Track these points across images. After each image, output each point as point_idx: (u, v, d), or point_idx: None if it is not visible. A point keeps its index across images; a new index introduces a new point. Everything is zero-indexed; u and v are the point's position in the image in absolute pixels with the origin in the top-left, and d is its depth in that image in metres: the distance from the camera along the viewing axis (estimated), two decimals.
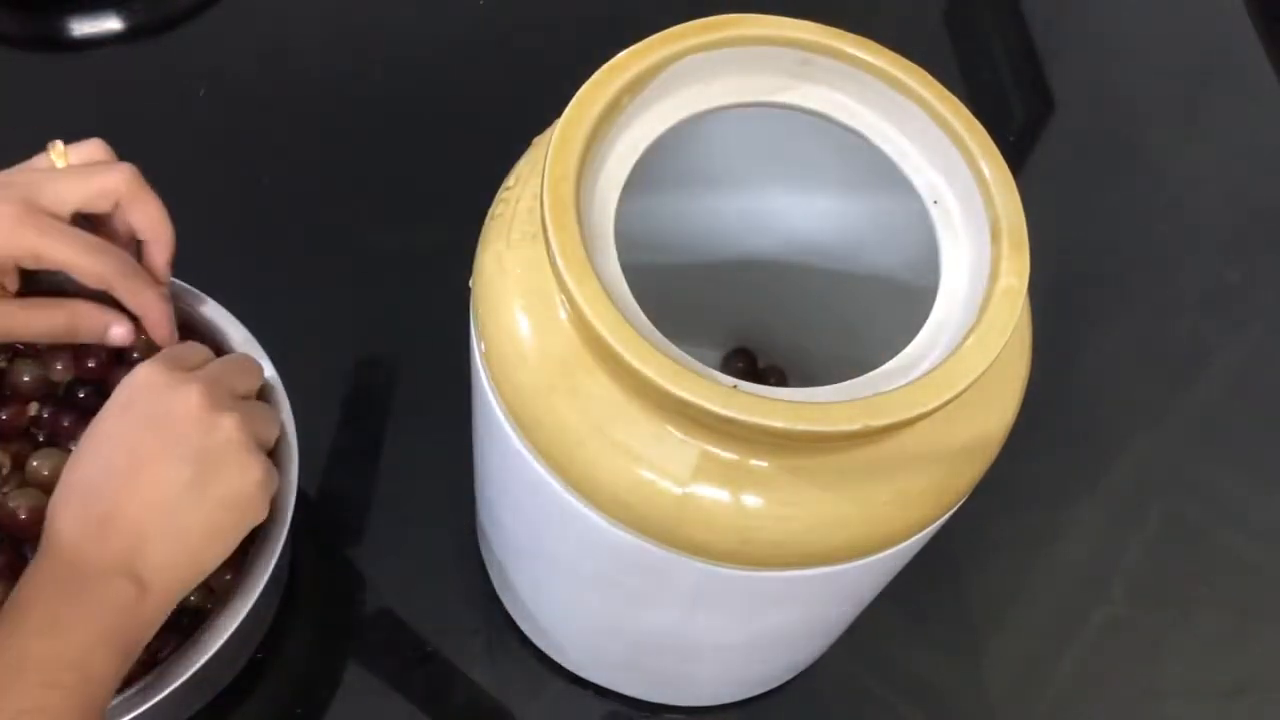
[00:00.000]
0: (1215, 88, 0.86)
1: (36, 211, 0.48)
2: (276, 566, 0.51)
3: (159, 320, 0.52)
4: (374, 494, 0.64)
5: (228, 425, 0.46)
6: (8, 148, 0.71)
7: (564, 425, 0.40)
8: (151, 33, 0.78)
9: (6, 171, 0.51)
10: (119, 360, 0.56)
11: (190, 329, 0.56)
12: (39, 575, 0.44)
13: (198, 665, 0.49)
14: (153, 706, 0.48)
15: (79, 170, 0.51)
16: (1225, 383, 0.74)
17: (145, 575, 0.44)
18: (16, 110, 0.73)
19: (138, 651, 0.44)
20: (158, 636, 0.47)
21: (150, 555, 0.44)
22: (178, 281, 0.55)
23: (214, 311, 0.56)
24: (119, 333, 0.52)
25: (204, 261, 0.58)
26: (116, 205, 0.50)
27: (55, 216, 0.49)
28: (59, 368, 0.56)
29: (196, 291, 0.56)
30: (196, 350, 0.51)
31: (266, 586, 0.51)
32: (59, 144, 0.52)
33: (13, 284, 0.50)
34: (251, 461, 0.47)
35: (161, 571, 0.44)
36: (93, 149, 0.52)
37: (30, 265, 0.49)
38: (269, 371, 0.55)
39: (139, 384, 0.47)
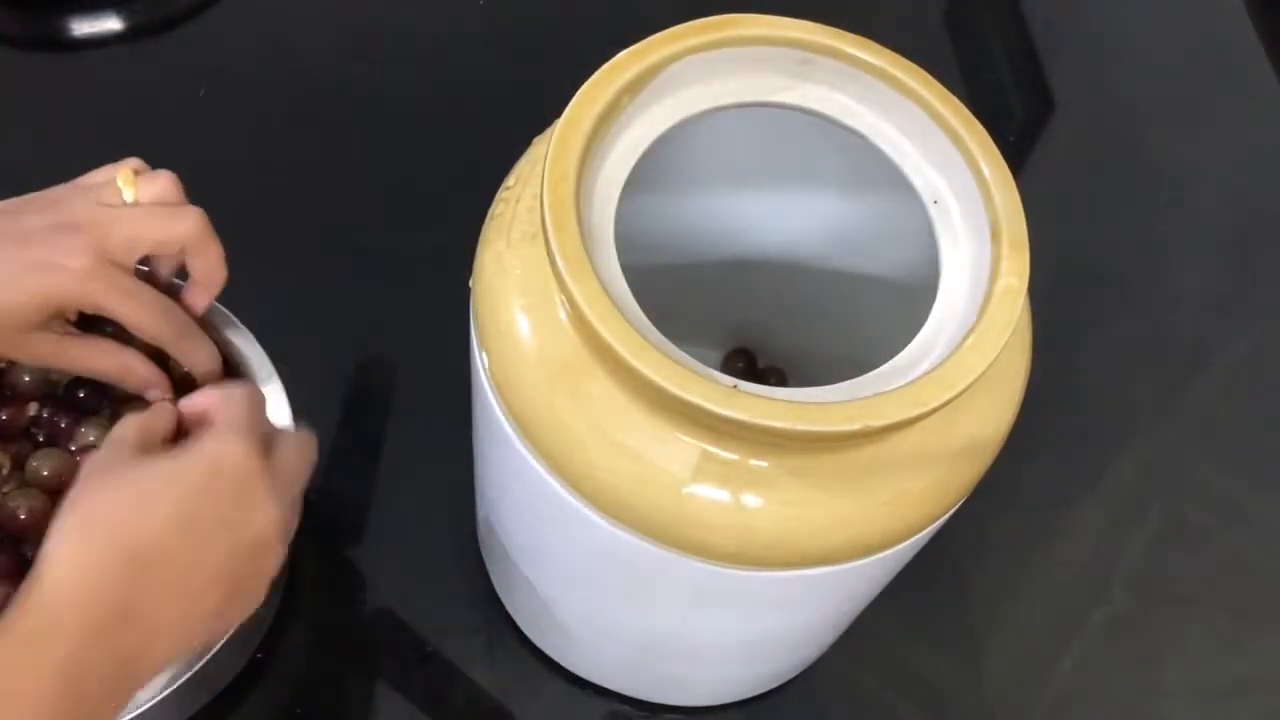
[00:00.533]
0: (1215, 88, 0.86)
1: (107, 264, 0.46)
2: None
3: (209, 375, 0.51)
4: (374, 494, 0.64)
5: (280, 553, 0.44)
6: (8, 148, 0.71)
7: (564, 425, 0.40)
8: (151, 33, 0.78)
9: (69, 197, 0.48)
10: None
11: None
12: (31, 668, 0.36)
13: (198, 665, 0.49)
14: (153, 706, 0.49)
15: (151, 214, 0.48)
16: (1225, 383, 0.74)
17: (142, 675, 0.40)
18: (16, 110, 0.73)
19: None
20: None
21: (152, 656, 0.40)
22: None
23: (214, 312, 0.56)
24: (156, 394, 0.51)
25: None
26: (180, 250, 0.49)
27: (123, 265, 0.47)
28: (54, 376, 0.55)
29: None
30: (262, 409, 0.48)
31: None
32: (129, 170, 0.50)
33: (72, 313, 0.50)
34: (274, 559, 0.44)
35: (154, 666, 0.41)
36: (164, 185, 0.50)
37: (91, 313, 0.48)
38: (270, 375, 0.55)
39: (234, 466, 0.42)
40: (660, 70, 0.42)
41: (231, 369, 0.56)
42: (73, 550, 0.39)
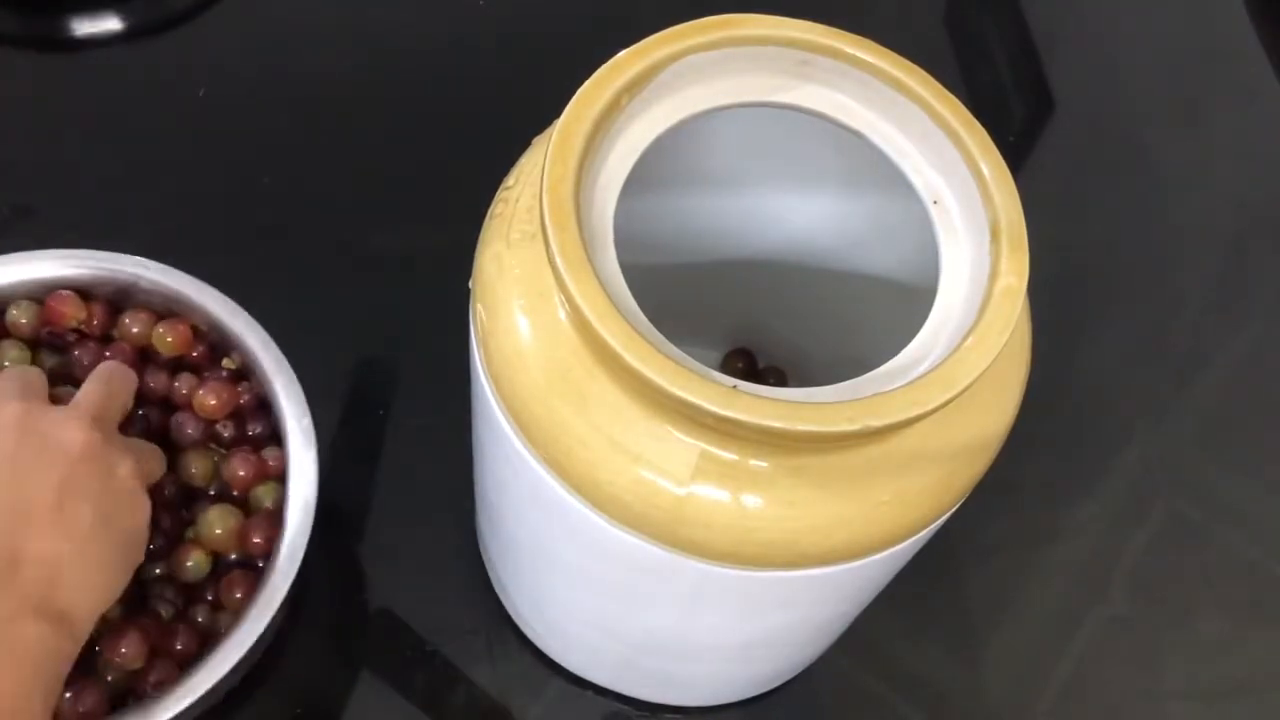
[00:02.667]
0: (1215, 88, 0.86)
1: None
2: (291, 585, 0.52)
3: None
4: (374, 494, 0.64)
5: (123, 472, 0.48)
6: (8, 148, 0.71)
7: (563, 425, 0.40)
8: (151, 33, 0.78)
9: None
10: (142, 358, 0.57)
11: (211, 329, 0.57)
12: None
13: (215, 681, 0.50)
14: None
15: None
16: (1225, 383, 0.74)
17: (63, 607, 0.44)
18: (16, 110, 0.73)
19: (61, 684, 0.44)
20: (168, 657, 0.49)
21: (66, 586, 0.44)
22: (166, 268, 0.56)
23: (219, 305, 0.56)
24: None
25: (203, 263, 0.58)
26: None
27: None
28: (85, 364, 0.55)
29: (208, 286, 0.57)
30: (35, 376, 0.51)
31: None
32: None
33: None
34: (143, 502, 0.49)
35: (79, 600, 0.45)
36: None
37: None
38: (285, 371, 0.55)
39: (10, 424, 0.47)
40: (660, 70, 0.42)
41: (234, 349, 0.57)
42: None
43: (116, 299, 0.57)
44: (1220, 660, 0.66)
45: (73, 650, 0.44)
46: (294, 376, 0.55)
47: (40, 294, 0.56)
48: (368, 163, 0.74)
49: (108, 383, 0.51)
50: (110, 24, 0.77)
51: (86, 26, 0.77)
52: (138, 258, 0.57)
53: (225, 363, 0.57)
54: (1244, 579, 0.68)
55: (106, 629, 0.51)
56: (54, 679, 0.43)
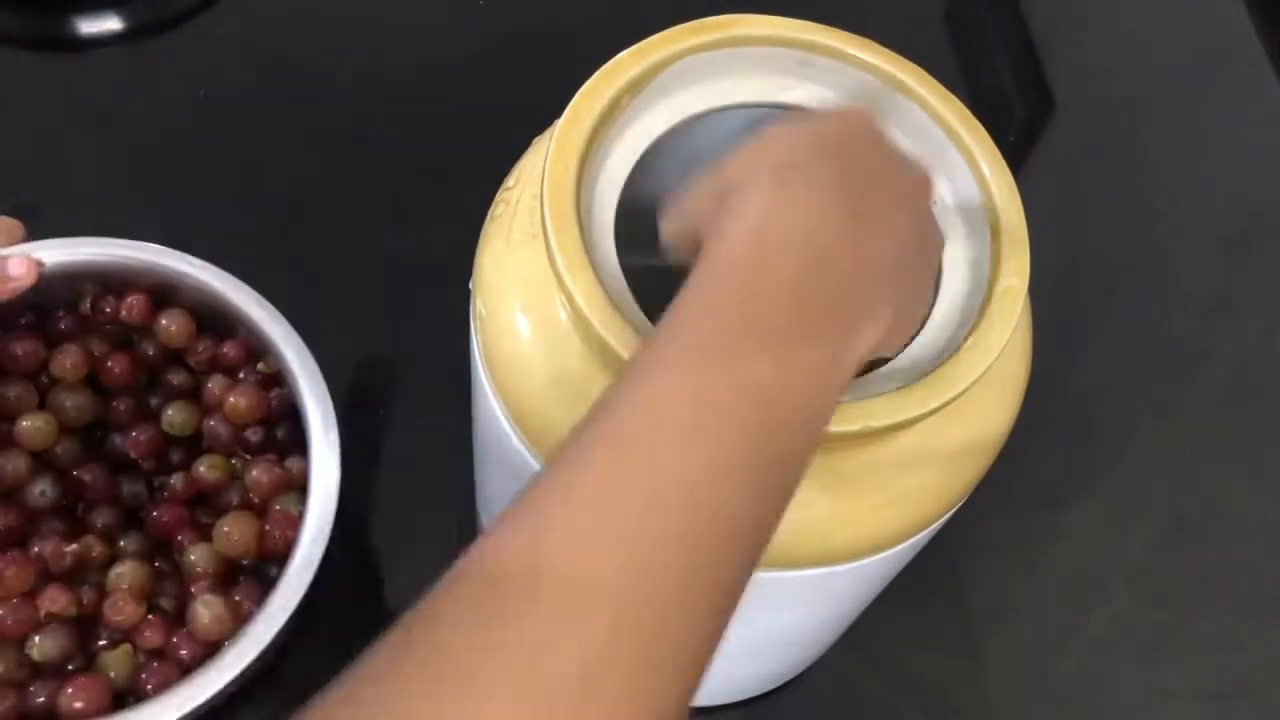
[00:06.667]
0: (1215, 88, 0.86)
1: None
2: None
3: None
4: (374, 494, 0.64)
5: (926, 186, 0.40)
6: (8, 147, 0.71)
7: (564, 425, 0.40)
8: (151, 33, 0.78)
9: None
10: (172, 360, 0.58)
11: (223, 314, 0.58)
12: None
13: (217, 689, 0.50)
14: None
15: None
16: (1225, 383, 0.74)
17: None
18: (16, 110, 0.73)
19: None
20: (169, 660, 0.51)
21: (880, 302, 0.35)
22: (211, 267, 0.57)
23: (239, 295, 0.57)
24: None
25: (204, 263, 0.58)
26: None
27: None
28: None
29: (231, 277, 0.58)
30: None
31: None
32: None
33: None
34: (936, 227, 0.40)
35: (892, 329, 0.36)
36: None
37: None
38: (297, 354, 0.56)
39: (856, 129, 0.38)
40: (660, 70, 0.42)
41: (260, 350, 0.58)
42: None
43: (158, 293, 0.58)
44: (1220, 660, 0.66)
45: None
46: (325, 387, 0.56)
47: (97, 277, 0.58)
48: (368, 163, 0.74)
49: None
50: (110, 24, 0.77)
51: (87, 26, 0.77)
52: (186, 254, 0.58)
53: (261, 366, 0.58)
54: (1244, 579, 0.68)
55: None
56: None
